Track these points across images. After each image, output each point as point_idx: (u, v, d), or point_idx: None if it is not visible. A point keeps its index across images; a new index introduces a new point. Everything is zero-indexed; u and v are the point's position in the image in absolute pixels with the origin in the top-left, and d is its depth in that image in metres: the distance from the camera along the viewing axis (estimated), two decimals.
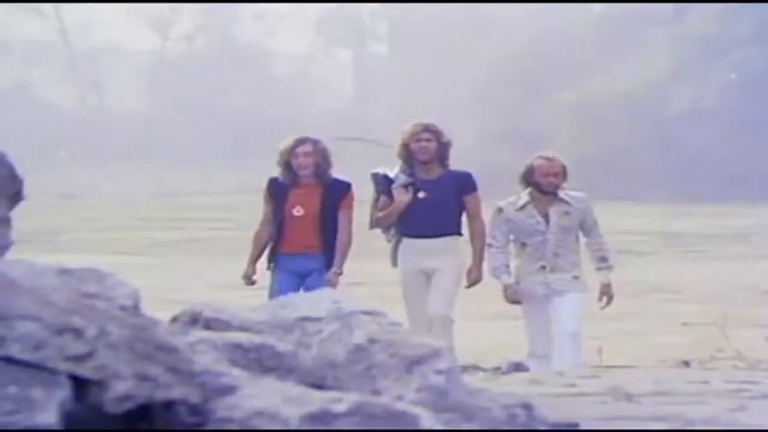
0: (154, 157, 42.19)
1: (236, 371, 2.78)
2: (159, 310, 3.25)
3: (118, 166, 41.00)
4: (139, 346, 2.64)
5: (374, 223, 8.61)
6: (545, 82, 38.79)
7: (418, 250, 8.42)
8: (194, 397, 2.67)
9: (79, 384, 2.59)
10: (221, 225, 26.47)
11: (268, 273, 8.54)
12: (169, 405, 2.66)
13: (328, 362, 3.09)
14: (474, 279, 8.46)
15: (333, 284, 8.31)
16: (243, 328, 3.20)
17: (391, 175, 8.53)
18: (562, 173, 8.37)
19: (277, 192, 8.51)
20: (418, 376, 2.98)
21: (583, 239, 8.52)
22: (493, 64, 40.06)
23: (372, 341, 3.07)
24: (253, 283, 8.56)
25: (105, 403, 2.60)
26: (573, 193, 8.45)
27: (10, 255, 3.30)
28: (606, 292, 8.44)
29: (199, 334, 3.08)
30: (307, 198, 8.45)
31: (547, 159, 8.40)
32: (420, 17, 46.35)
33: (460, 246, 8.52)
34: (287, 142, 8.55)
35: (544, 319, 8.24)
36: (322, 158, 8.45)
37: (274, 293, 8.33)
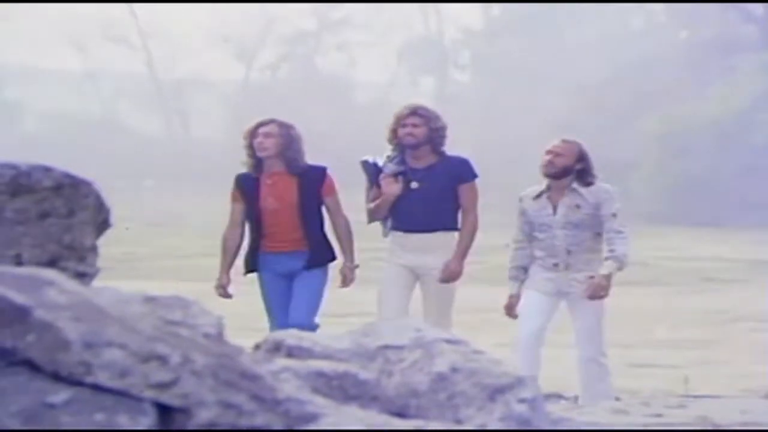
0: None
1: (319, 399, 2.78)
2: (241, 338, 3.26)
3: (202, 194, 41.36)
4: (223, 374, 2.66)
5: (369, 217, 7.77)
6: (629, 109, 38.55)
7: (407, 246, 7.58)
8: (278, 425, 2.67)
9: (164, 411, 2.61)
10: None
11: (250, 277, 7.67)
12: None
13: (411, 390, 3.08)
14: (450, 274, 7.51)
15: (349, 280, 7.61)
16: (325, 356, 3.20)
17: (381, 163, 7.70)
18: (576, 159, 7.44)
19: (247, 186, 7.60)
20: (502, 405, 2.96)
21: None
22: (576, 91, 39.90)
23: (455, 370, 3.06)
24: (228, 295, 7.72)
25: (189, 431, 2.61)
26: (600, 186, 7.52)
27: (97, 282, 3.34)
28: (598, 282, 7.29)
29: (281, 362, 3.09)
30: (280, 188, 7.58)
31: (564, 139, 7.55)
32: (502, 46, 46.32)
33: (455, 243, 7.61)
34: (254, 122, 7.67)
35: (545, 311, 7.41)
36: (286, 142, 7.53)
37: (266, 300, 7.65)
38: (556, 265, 7.46)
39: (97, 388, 2.55)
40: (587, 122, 38.73)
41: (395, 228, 7.67)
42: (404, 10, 51.54)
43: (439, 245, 7.57)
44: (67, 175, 3.18)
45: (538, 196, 7.52)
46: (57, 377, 2.56)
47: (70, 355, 2.55)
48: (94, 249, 3.27)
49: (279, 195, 7.57)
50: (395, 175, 7.60)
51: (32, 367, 2.57)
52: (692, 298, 18.82)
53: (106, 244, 3.51)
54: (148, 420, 2.57)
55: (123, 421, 2.54)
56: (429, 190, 7.58)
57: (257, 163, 7.59)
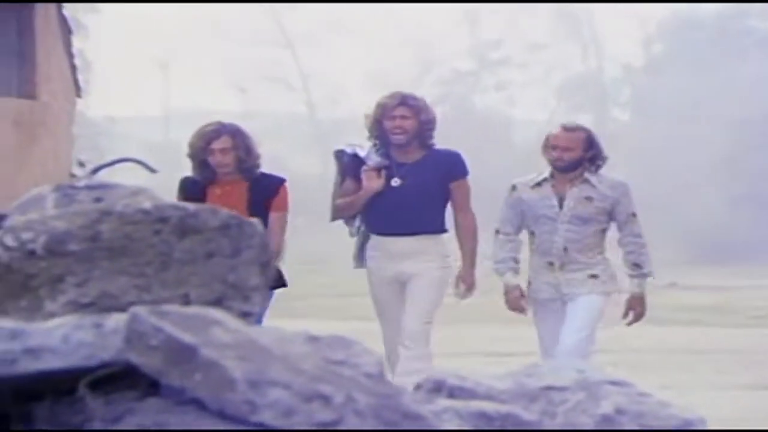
0: None
1: None
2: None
3: None
4: (385, 414, 2.65)
5: (334, 213, 7.21)
6: None
7: (390, 252, 6.85)
8: None
9: None
10: None
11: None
12: None
13: None
14: (466, 289, 6.88)
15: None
16: (487, 397, 3.18)
17: (362, 154, 7.00)
18: (585, 149, 6.82)
19: (192, 193, 6.79)
20: None
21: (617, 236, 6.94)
22: (741, 127, 39.21)
23: (620, 412, 3.01)
24: None
25: None
26: (617, 179, 6.92)
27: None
28: (634, 307, 6.75)
29: (443, 402, 3.07)
30: (230, 199, 6.76)
31: (565, 128, 6.87)
32: (664, 82, 45.80)
33: (444, 246, 6.93)
34: (199, 134, 6.97)
35: (558, 326, 6.69)
36: (245, 152, 6.92)
37: None
38: (550, 264, 6.76)
39: (261, 426, 2.57)
40: (753, 158, 38.01)
41: (376, 231, 6.97)
42: (564, 48, 51.36)
43: (424, 250, 6.84)
44: (233, 216, 3.23)
45: (539, 184, 6.84)
46: (223, 416, 2.59)
47: (235, 394, 2.58)
48: (257, 288, 3.31)
49: (231, 206, 6.76)
50: (379, 169, 6.92)
51: (199, 405, 2.61)
52: None
53: None
54: None
55: None
56: (413, 188, 6.85)
57: (211, 174, 6.92)
